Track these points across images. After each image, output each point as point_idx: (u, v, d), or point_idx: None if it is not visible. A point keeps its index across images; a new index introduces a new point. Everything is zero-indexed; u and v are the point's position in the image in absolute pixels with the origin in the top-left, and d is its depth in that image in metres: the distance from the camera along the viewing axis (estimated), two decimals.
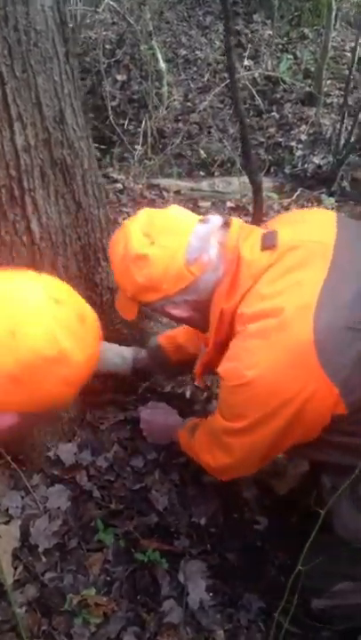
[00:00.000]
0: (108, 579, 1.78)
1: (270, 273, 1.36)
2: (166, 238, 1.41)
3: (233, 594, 1.74)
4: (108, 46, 5.65)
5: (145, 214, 1.48)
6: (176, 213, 1.51)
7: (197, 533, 1.87)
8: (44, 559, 1.81)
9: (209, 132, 5.14)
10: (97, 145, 4.53)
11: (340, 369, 1.26)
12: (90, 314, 1.17)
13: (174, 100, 5.45)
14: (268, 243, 1.41)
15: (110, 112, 4.83)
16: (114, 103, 5.23)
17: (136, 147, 4.63)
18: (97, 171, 1.90)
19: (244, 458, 1.49)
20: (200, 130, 5.18)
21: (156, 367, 2.10)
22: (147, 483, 1.98)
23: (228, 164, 4.80)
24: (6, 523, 1.88)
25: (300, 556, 1.29)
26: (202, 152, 4.87)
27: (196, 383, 2.07)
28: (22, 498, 1.95)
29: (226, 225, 1.48)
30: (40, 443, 2.03)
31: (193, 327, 1.69)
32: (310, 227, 1.48)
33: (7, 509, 1.91)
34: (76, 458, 2.03)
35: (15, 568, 1.79)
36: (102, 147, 4.60)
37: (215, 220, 1.49)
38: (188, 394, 2.23)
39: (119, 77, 5.67)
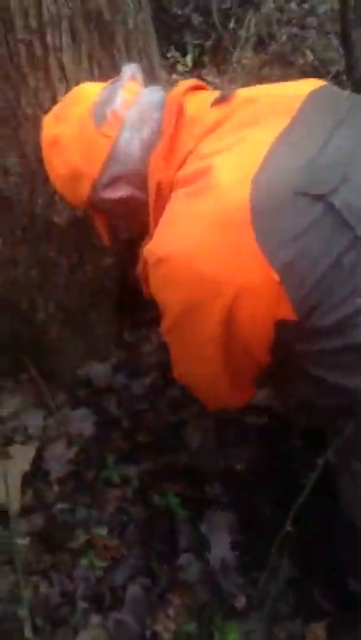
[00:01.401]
0: (124, 518, 1.55)
1: (217, 132, 1.05)
2: (72, 110, 1.17)
3: (262, 556, 1.45)
4: None
5: (60, 100, 1.27)
6: (89, 83, 1.27)
7: (231, 480, 1.59)
8: (56, 488, 1.60)
9: (328, 39, 4.56)
10: (196, 41, 4.17)
11: (281, 246, 0.90)
12: None
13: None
14: (220, 98, 1.10)
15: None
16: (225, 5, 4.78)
17: (238, 49, 4.18)
18: (151, 37, 1.56)
19: (193, 373, 1.21)
20: (317, 35, 4.59)
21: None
22: (183, 416, 1.71)
23: (344, 78, 4.23)
24: (23, 443, 1.69)
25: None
26: (312, 57, 4.31)
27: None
28: (44, 418, 1.74)
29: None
30: (69, 358, 1.81)
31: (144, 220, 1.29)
32: (285, 85, 1.16)
33: (26, 428, 1.72)
34: (109, 380, 1.79)
35: (24, 493, 1.60)
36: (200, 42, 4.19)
37: (127, 69, 1.20)
38: None
39: None
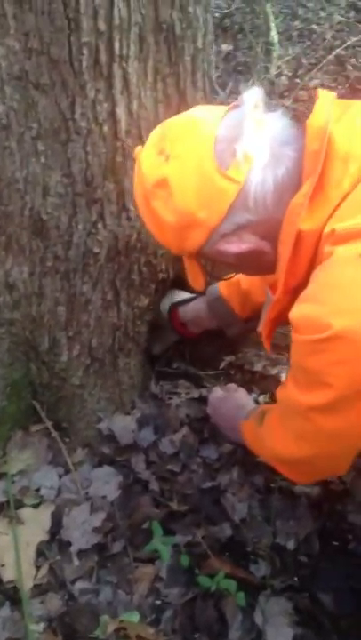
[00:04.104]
0: (158, 603, 1.32)
1: None
2: (184, 144, 0.99)
3: None
4: (216, 15, 5.24)
5: (158, 128, 1.07)
6: (199, 111, 1.07)
7: (282, 560, 1.38)
8: (76, 562, 1.36)
9: None
10: None
11: None
12: None
13: (282, 74, 4.97)
14: None
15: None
16: (216, 74, 4.84)
17: None
18: (211, 59, 1.44)
19: (331, 448, 1.01)
20: (307, 109, 4.68)
21: (220, 322, 1.59)
22: (220, 482, 1.50)
23: None
24: (35, 506, 1.45)
25: None
26: None
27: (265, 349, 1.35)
28: (60, 477, 1.51)
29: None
30: (90, 410, 1.59)
31: (265, 273, 1.18)
32: None
33: (39, 489, 1.48)
34: (135, 436, 1.57)
35: (38, 568, 1.34)
36: None
37: (251, 94, 0.99)
38: (283, 376, 1.73)
39: (224, 47, 5.27)
